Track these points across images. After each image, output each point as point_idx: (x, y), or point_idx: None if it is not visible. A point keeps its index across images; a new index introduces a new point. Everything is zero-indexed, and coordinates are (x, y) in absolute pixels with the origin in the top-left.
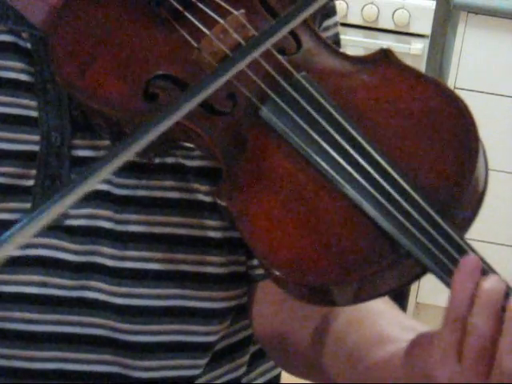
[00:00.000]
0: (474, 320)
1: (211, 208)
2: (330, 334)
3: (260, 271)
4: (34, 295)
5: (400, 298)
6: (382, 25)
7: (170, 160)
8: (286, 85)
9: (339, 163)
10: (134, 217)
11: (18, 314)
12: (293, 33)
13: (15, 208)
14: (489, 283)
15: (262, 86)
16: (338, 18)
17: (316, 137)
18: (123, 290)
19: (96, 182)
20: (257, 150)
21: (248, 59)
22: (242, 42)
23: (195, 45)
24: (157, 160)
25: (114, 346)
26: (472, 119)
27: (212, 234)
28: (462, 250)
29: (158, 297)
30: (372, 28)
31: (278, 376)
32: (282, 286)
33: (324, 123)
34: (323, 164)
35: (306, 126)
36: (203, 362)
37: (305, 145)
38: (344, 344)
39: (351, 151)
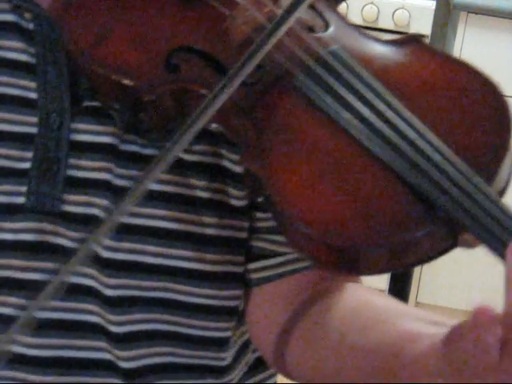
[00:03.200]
0: None
1: (207, 204)
2: (342, 337)
3: (257, 275)
4: (29, 281)
5: (400, 298)
6: (382, 25)
7: None
8: (322, 52)
9: (378, 130)
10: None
11: (13, 300)
12: (320, 14)
13: (10, 190)
14: None
15: (298, 53)
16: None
17: (354, 103)
18: (113, 281)
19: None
20: (289, 116)
21: (284, 26)
22: (276, 10)
23: (227, 13)
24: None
25: (105, 334)
26: (505, 99)
27: (207, 230)
28: (504, 208)
29: (149, 289)
30: (372, 28)
31: None
32: (308, 251)
33: (362, 88)
34: (360, 128)
35: (342, 92)
36: (185, 351)
37: (340, 111)
38: (364, 345)
39: (390, 115)
